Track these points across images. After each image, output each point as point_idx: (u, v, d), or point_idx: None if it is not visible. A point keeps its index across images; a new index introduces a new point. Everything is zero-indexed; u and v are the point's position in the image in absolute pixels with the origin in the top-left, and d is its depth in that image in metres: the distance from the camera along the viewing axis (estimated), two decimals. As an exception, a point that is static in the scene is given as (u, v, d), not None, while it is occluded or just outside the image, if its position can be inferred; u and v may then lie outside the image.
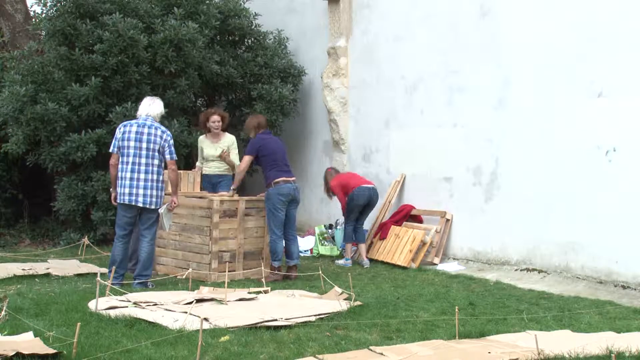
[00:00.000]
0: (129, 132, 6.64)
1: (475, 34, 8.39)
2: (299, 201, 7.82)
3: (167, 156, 6.73)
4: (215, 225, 7.27)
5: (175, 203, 6.83)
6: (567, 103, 7.34)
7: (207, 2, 10.00)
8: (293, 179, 7.62)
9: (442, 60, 8.80)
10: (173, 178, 6.80)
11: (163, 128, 6.80)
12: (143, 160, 6.62)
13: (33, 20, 10.55)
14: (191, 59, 9.34)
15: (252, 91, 10.37)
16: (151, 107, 6.82)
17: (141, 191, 6.60)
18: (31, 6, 10.83)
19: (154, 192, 6.67)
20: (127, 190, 6.60)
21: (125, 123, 6.78)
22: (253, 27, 10.94)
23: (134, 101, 8.96)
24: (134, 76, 9.00)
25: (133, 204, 6.62)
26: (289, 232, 7.63)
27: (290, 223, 7.63)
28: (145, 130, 6.65)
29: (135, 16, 9.08)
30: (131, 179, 6.60)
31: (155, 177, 6.67)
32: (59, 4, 9.01)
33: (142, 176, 6.61)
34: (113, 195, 6.77)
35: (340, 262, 8.70)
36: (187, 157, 9.95)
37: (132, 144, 6.61)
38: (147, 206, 6.64)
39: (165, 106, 9.04)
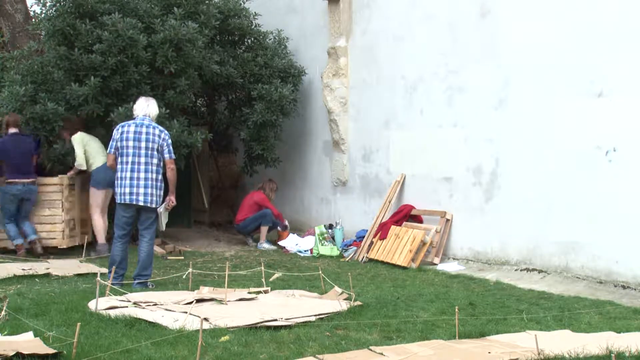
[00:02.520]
0: (127, 132, 6.65)
1: (475, 34, 8.39)
2: (31, 198, 8.64)
3: (166, 155, 6.74)
4: (66, 198, 8.83)
5: (172, 202, 6.83)
6: (567, 103, 7.34)
7: (207, 2, 10.00)
8: (24, 181, 8.53)
9: (442, 60, 8.79)
10: (171, 177, 6.80)
11: (161, 127, 6.82)
12: (142, 160, 6.63)
13: (33, 20, 10.55)
14: (191, 59, 9.33)
15: (252, 91, 10.37)
16: (149, 107, 6.84)
17: (142, 190, 6.61)
18: (31, 6, 10.83)
19: (154, 191, 6.67)
20: (127, 190, 6.61)
21: (122, 124, 6.79)
22: (253, 27, 10.94)
23: (134, 101, 8.94)
24: (134, 76, 8.99)
25: (134, 203, 6.62)
26: (21, 218, 8.61)
27: (23, 213, 8.63)
28: (144, 129, 6.67)
29: (134, 16, 9.08)
30: (131, 178, 6.61)
31: (154, 176, 6.68)
32: (58, 4, 8.99)
33: (142, 175, 6.62)
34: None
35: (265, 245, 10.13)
36: (188, 157, 9.96)
37: (130, 143, 6.62)
38: (148, 205, 6.65)
39: (165, 106, 9.12)
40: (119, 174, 6.67)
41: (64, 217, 8.81)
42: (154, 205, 6.69)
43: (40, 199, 8.78)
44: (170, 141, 6.80)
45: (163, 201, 6.83)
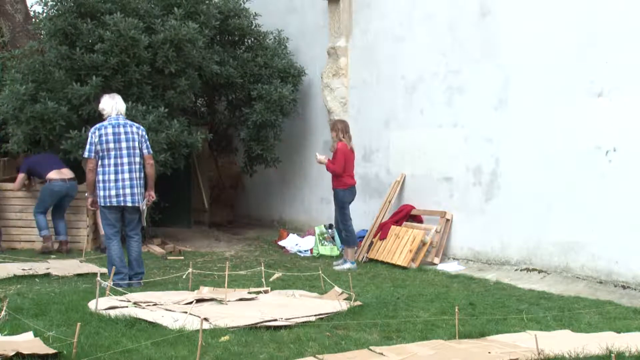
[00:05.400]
0: (106, 134, 6.56)
1: (475, 34, 8.39)
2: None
3: (145, 151, 6.72)
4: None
5: (152, 197, 6.82)
6: (567, 103, 7.34)
7: (207, 2, 10.00)
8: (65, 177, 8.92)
9: (442, 60, 8.79)
10: (151, 172, 6.80)
11: (137, 124, 6.81)
12: (125, 160, 6.59)
13: (33, 20, 10.55)
14: (191, 59, 9.34)
15: (252, 91, 10.37)
16: (118, 104, 6.76)
17: (128, 191, 6.59)
18: (31, 6, 10.83)
19: (138, 190, 6.67)
20: (113, 192, 6.55)
21: (98, 126, 6.65)
22: (253, 27, 10.93)
23: (135, 101, 8.96)
24: (135, 76, 8.99)
25: (122, 204, 6.60)
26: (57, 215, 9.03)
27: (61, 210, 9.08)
28: (122, 129, 6.62)
29: (135, 16, 9.08)
30: (116, 180, 6.55)
31: (138, 174, 6.67)
32: (59, 4, 9.00)
33: (126, 176, 6.58)
34: (90, 200, 6.75)
35: (346, 265, 8.28)
36: (188, 157, 9.96)
37: (111, 145, 6.55)
38: (136, 205, 6.64)
39: (166, 106, 9.12)
40: (100, 177, 6.57)
41: (88, 222, 9.20)
42: (138, 204, 6.68)
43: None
44: (147, 136, 6.79)
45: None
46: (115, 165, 6.56)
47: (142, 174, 6.74)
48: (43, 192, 8.88)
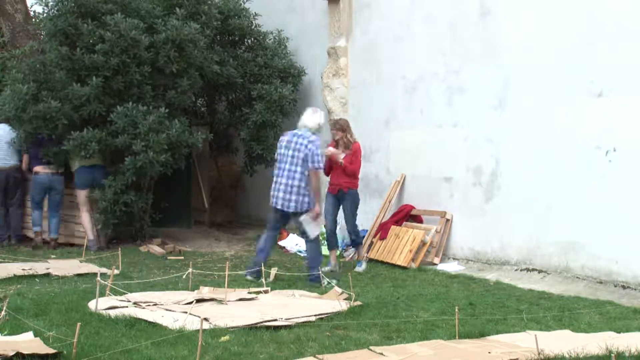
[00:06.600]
0: (282, 141, 7.26)
1: (475, 33, 8.39)
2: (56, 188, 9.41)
3: (309, 165, 7.04)
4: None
5: (316, 211, 7.09)
6: (567, 103, 7.34)
7: (209, 2, 10.00)
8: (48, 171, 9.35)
9: (442, 60, 8.79)
10: (313, 186, 7.09)
11: (311, 138, 7.10)
12: (286, 166, 7.07)
13: (33, 20, 10.55)
14: (193, 59, 9.33)
15: (252, 91, 10.37)
16: (304, 117, 7.25)
17: (280, 194, 7.07)
18: (31, 6, 10.82)
19: (292, 197, 7.05)
20: (271, 193, 7.20)
21: (284, 133, 7.40)
22: (253, 27, 10.94)
23: (135, 101, 8.96)
24: (135, 76, 8.98)
25: (272, 205, 7.11)
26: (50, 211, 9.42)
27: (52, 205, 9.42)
28: (294, 139, 7.11)
29: (137, 16, 9.07)
30: (275, 182, 7.14)
31: (296, 182, 7.05)
32: (60, 4, 8.99)
33: (283, 180, 7.08)
34: None
35: (363, 266, 8.26)
36: (188, 157, 9.96)
37: (282, 151, 7.17)
38: (284, 209, 7.05)
39: (166, 106, 9.11)
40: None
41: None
42: (291, 210, 7.05)
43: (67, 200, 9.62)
44: (317, 151, 7.05)
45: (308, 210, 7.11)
46: (279, 169, 7.18)
47: (304, 184, 7.07)
48: (30, 184, 9.47)
